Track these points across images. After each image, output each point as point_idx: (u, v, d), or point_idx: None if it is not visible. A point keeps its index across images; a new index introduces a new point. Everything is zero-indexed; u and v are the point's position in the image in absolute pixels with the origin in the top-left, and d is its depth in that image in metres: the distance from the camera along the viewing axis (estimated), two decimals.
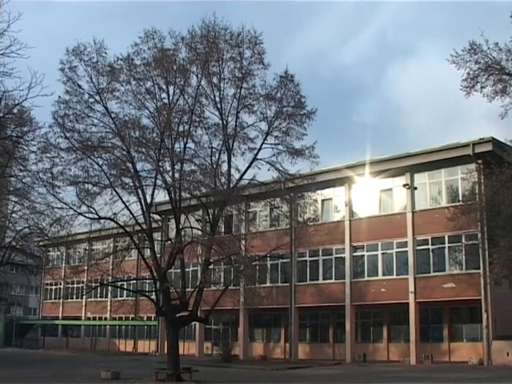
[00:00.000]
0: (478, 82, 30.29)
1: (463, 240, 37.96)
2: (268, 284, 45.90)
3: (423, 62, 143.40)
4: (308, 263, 45.44)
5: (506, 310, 35.39)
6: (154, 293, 30.79)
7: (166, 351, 34.24)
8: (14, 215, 41.39)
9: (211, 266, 34.60)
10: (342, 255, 43.39)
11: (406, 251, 40.19)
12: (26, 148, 33.37)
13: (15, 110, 31.48)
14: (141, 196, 29.64)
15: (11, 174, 36.68)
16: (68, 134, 29.23)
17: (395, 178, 41.43)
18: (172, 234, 32.82)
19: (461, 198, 37.98)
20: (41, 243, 54.38)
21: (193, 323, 43.54)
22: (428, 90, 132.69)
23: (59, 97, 28.98)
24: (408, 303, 39.51)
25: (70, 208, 29.82)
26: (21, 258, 48.69)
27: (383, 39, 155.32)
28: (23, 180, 35.83)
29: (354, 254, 43.01)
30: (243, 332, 48.29)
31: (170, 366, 28.49)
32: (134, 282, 46.81)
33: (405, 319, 40.35)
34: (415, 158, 40.08)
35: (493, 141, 36.34)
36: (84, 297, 61.95)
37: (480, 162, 36.50)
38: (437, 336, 41.41)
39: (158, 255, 30.69)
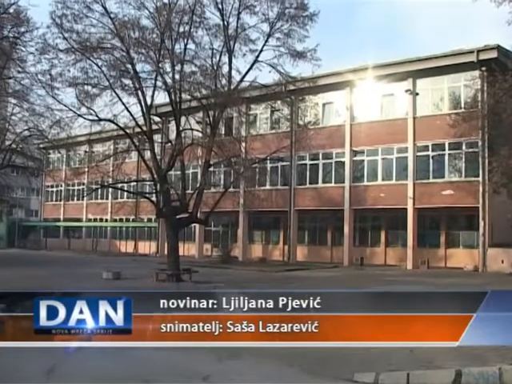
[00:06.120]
0: None
1: (463, 147, 37.90)
2: (267, 187, 46.14)
3: None
4: (308, 167, 45.45)
5: (503, 219, 35.75)
6: (154, 194, 31.03)
7: (166, 252, 34.65)
8: (13, 117, 41.19)
9: (211, 169, 34.82)
10: (342, 159, 43.38)
11: (406, 157, 40.19)
12: (23, 49, 32.94)
13: (11, 10, 30.84)
14: (141, 97, 29.45)
15: (9, 76, 36.29)
16: (66, 35, 28.78)
17: (397, 83, 40.88)
18: (172, 135, 32.82)
19: (463, 106, 37.61)
20: (41, 145, 54.38)
21: (193, 225, 43.94)
22: None
23: None
24: (406, 208, 39.85)
25: (70, 110, 29.77)
26: (21, 160, 48.79)
27: None
28: (22, 82, 35.50)
29: (354, 158, 42.98)
30: (242, 234, 48.83)
31: (170, 267, 28.97)
32: (135, 183, 46.92)
33: (403, 224, 40.74)
34: (418, 64, 39.52)
35: (498, 48, 35.73)
36: (85, 198, 62.56)
37: (484, 69, 35.95)
38: (434, 242, 41.85)
39: (158, 157, 30.74)
